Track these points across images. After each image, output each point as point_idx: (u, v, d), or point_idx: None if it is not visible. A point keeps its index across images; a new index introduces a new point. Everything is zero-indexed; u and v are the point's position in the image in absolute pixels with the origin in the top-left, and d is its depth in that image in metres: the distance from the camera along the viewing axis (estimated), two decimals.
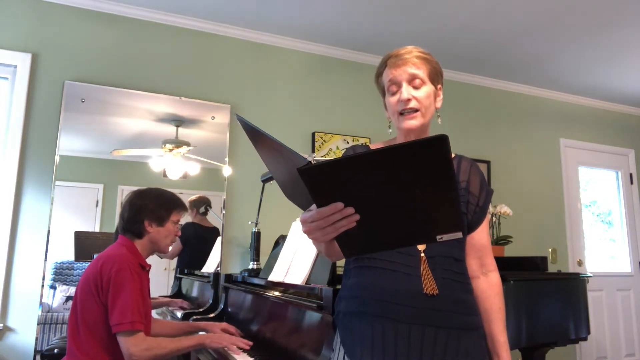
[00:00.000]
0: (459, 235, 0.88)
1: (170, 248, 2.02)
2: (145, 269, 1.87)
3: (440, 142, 0.77)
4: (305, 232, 0.93)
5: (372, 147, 1.34)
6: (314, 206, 0.90)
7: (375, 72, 1.34)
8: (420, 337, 1.11)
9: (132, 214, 1.87)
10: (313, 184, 0.84)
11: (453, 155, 1.33)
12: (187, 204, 3.14)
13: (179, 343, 1.76)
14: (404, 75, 1.23)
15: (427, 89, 1.24)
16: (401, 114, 1.23)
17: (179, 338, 1.82)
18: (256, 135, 1.04)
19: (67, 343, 1.74)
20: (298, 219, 2.18)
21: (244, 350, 1.79)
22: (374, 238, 0.92)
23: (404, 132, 1.26)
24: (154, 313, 2.74)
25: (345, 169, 0.82)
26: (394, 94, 1.25)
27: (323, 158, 0.89)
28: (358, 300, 1.18)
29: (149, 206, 1.88)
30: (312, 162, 0.83)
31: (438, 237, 0.89)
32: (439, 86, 1.30)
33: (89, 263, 1.84)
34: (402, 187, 0.83)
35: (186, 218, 3.12)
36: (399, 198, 0.84)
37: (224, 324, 2.03)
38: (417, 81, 1.23)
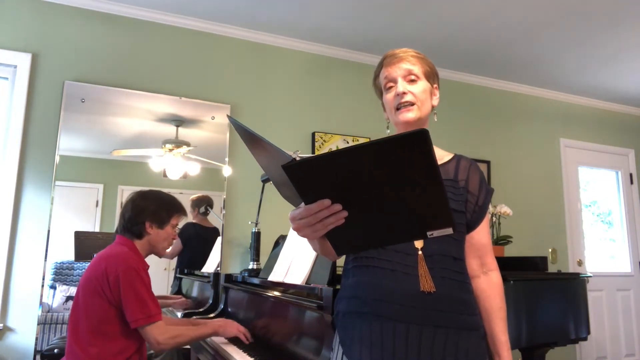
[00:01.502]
0: (450, 231, 0.88)
1: (169, 250, 2.05)
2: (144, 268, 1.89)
3: (420, 136, 0.78)
4: (294, 229, 0.94)
5: None
6: (303, 204, 0.90)
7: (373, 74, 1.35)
8: (418, 337, 1.11)
9: (133, 214, 1.90)
10: (298, 180, 0.84)
11: (452, 155, 1.33)
12: (188, 203, 3.15)
13: (198, 331, 1.87)
14: (399, 71, 1.25)
15: (423, 84, 1.27)
16: (397, 108, 1.25)
17: (197, 327, 1.91)
18: (247, 136, 1.04)
19: (67, 342, 1.75)
20: None
21: (244, 350, 1.79)
22: (364, 235, 0.93)
23: (401, 126, 1.27)
24: None
25: (328, 165, 0.82)
26: (390, 90, 1.27)
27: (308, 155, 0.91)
28: (357, 300, 1.18)
29: (150, 208, 1.91)
30: (297, 159, 0.83)
31: (428, 233, 0.89)
32: (435, 85, 1.32)
33: (89, 263, 1.86)
34: (387, 183, 0.83)
35: (187, 218, 3.13)
36: (385, 194, 0.84)
37: (221, 319, 2.11)
38: (413, 76, 1.25)
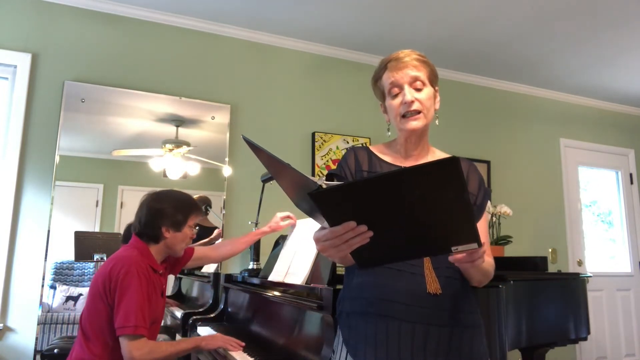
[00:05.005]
0: (475, 246, 0.89)
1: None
2: (157, 272, 1.85)
3: (451, 164, 0.78)
4: (319, 250, 0.95)
5: (372, 149, 1.35)
6: (326, 223, 0.91)
7: (373, 75, 1.35)
8: (423, 336, 1.12)
9: (150, 218, 1.85)
10: (324, 206, 0.85)
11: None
12: None
13: (177, 346, 1.79)
14: (406, 77, 1.24)
15: (428, 90, 1.26)
16: (403, 116, 1.24)
17: (178, 341, 1.84)
18: (265, 157, 1.04)
19: (78, 333, 1.76)
20: (298, 221, 2.18)
21: (244, 350, 1.79)
22: (388, 251, 0.93)
23: (407, 133, 1.26)
24: None
25: (356, 192, 0.83)
26: (395, 96, 1.25)
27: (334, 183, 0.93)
28: (362, 300, 1.19)
29: (167, 211, 1.86)
30: (323, 185, 0.83)
31: (453, 248, 0.90)
32: (437, 88, 1.31)
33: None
34: (415, 205, 0.84)
35: (203, 216, 3.13)
36: (413, 215, 0.85)
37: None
38: (419, 83, 1.24)
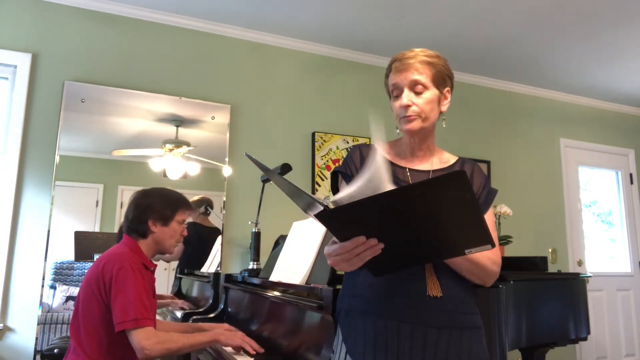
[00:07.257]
0: (488, 247, 0.89)
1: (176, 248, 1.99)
2: (148, 268, 1.84)
3: (458, 177, 0.78)
4: (331, 264, 0.96)
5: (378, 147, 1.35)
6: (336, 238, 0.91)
7: (380, 72, 1.36)
8: (422, 337, 1.12)
9: (137, 213, 1.84)
10: (331, 224, 0.86)
11: (456, 159, 1.34)
12: None
13: (193, 338, 1.74)
14: (405, 81, 1.24)
15: (429, 94, 1.24)
16: (403, 117, 1.25)
17: (193, 334, 1.80)
18: (267, 173, 1.05)
19: (70, 341, 1.74)
20: (295, 222, 2.18)
21: (244, 350, 1.78)
22: (402, 258, 0.94)
23: (407, 134, 1.28)
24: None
25: (362, 209, 0.83)
26: (397, 98, 1.27)
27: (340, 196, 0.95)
28: (361, 299, 1.19)
29: (153, 205, 1.85)
30: (329, 205, 0.83)
31: (466, 250, 0.90)
32: (447, 89, 1.29)
33: (91, 263, 1.84)
34: (424, 217, 0.84)
35: (194, 212, 3.12)
36: (423, 225, 0.86)
37: (226, 325, 1.98)
38: (419, 87, 1.23)
